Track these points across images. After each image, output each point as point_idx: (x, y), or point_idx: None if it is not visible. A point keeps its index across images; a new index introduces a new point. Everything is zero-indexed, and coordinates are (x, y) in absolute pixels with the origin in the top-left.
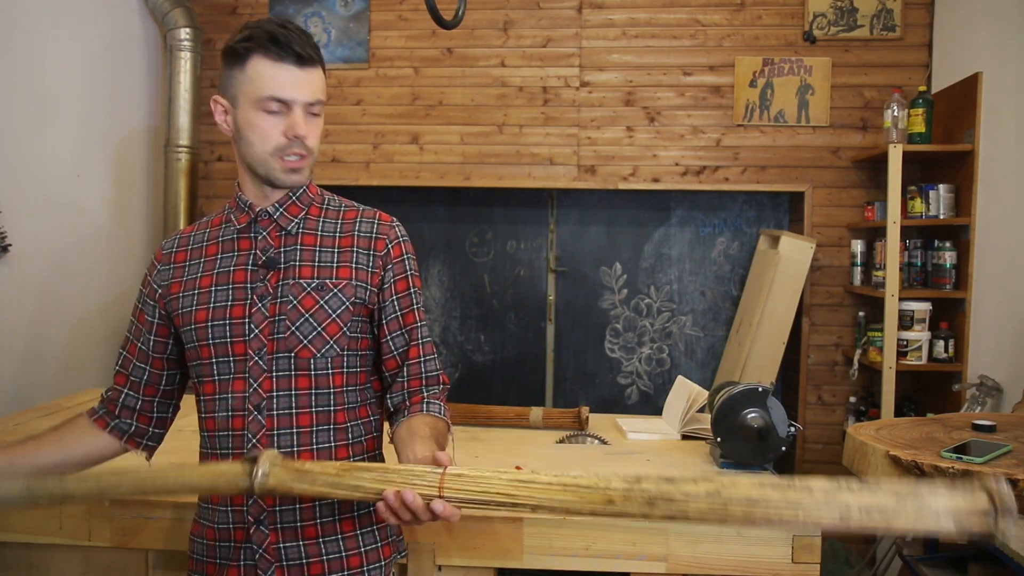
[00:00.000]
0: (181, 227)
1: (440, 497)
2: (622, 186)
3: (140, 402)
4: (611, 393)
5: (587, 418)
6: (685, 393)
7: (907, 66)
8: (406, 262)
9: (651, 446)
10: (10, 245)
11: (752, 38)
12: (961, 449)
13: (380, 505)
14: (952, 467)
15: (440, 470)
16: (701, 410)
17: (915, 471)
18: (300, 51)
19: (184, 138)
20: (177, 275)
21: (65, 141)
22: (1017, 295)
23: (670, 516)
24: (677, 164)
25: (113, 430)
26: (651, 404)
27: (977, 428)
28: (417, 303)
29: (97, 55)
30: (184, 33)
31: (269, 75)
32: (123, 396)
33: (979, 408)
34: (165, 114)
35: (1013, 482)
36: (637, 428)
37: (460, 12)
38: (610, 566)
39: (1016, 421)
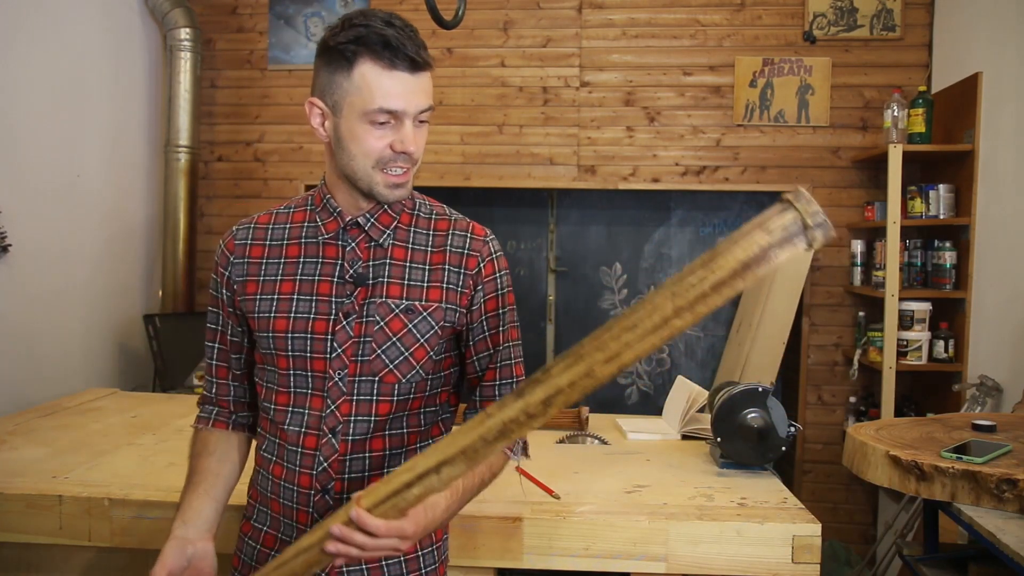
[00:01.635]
0: (182, 228)
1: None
2: (622, 186)
3: (247, 392)
4: (611, 393)
5: (587, 418)
6: (685, 393)
7: (907, 66)
8: (497, 280)
9: (651, 446)
10: (10, 245)
11: (752, 38)
12: (961, 449)
13: (331, 547)
14: (952, 467)
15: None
16: (701, 410)
17: (915, 471)
18: (415, 56)
19: (184, 138)
20: (253, 272)
21: (65, 141)
22: (1017, 295)
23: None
24: (677, 164)
25: (236, 427)
26: (651, 404)
27: (977, 428)
28: (506, 323)
29: (97, 55)
30: (184, 33)
31: (380, 84)
32: (232, 390)
33: (979, 408)
34: (165, 114)
35: (1013, 482)
36: (637, 428)
37: (460, 12)
38: (610, 566)
39: (1016, 421)
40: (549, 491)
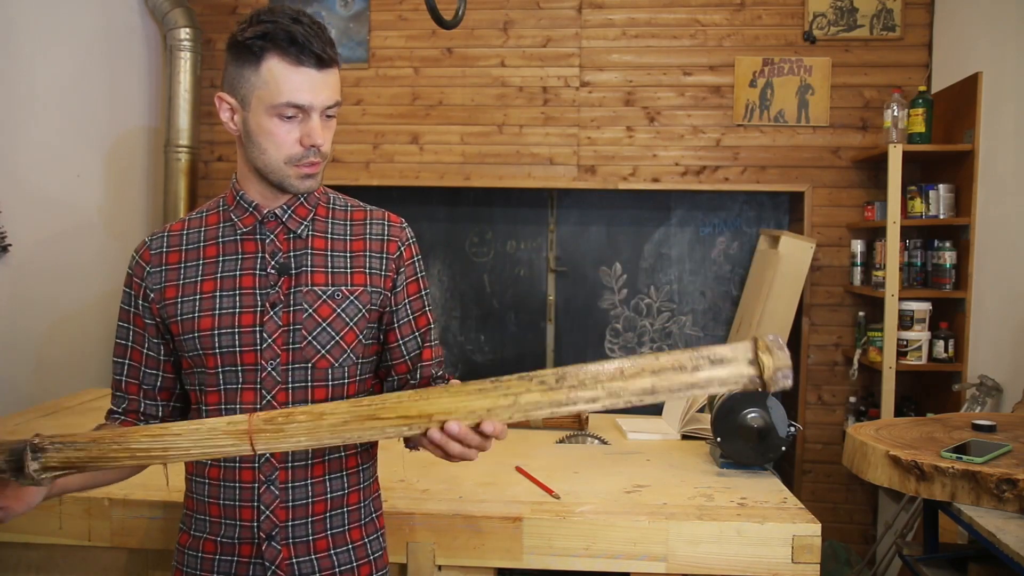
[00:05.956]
0: None
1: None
2: (622, 186)
3: (161, 408)
4: None
5: (587, 418)
6: None
7: (907, 66)
8: (416, 264)
9: (651, 446)
10: (10, 245)
11: (752, 38)
12: (961, 449)
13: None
14: (952, 467)
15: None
16: (701, 410)
17: (915, 471)
18: (320, 52)
19: (184, 138)
20: (171, 278)
21: (65, 141)
22: (1017, 295)
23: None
24: (677, 164)
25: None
26: (651, 404)
27: (977, 428)
28: (428, 306)
29: (97, 55)
30: (184, 33)
31: (287, 79)
32: (143, 406)
33: (979, 408)
34: (165, 114)
35: (1013, 482)
36: (637, 428)
37: (460, 12)
38: (610, 566)
39: (1016, 421)
40: (549, 491)
